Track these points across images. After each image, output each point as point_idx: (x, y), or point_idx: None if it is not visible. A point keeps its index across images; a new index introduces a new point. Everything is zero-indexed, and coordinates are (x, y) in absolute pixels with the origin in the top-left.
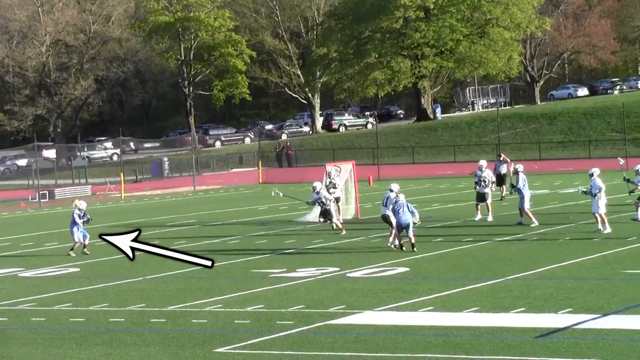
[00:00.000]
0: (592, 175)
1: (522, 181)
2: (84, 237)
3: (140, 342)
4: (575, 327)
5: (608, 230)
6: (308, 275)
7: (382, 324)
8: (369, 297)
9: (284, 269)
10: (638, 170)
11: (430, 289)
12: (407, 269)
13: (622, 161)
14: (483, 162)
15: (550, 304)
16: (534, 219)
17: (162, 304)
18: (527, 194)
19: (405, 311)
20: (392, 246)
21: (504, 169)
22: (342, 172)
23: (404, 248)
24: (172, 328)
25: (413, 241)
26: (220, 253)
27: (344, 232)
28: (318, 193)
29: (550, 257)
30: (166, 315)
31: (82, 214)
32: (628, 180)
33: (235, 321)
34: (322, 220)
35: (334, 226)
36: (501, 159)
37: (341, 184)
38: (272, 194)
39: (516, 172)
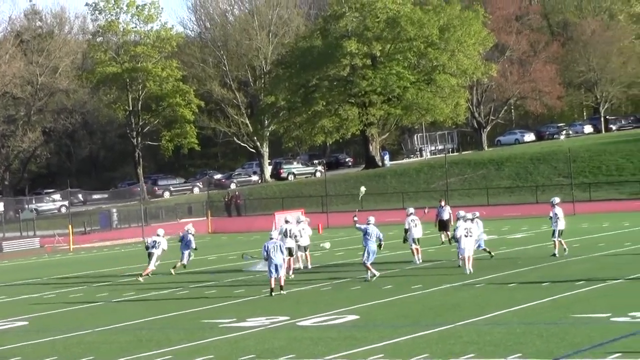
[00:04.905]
0: None
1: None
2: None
3: None
4: None
5: None
6: (258, 324)
7: None
8: (320, 346)
9: (234, 319)
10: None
11: (381, 336)
12: (358, 316)
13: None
14: (411, 209)
15: (500, 349)
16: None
17: (111, 356)
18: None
19: (356, 359)
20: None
21: (446, 215)
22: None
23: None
24: None
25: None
26: (169, 303)
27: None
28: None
29: (500, 302)
30: None
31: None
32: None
33: None
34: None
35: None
36: (442, 204)
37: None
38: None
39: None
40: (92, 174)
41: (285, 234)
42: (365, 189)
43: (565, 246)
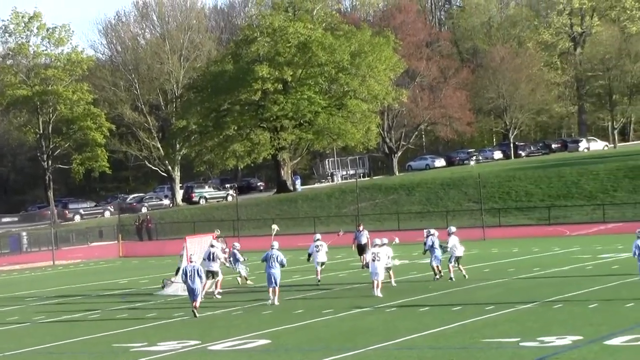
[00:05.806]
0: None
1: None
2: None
3: None
4: None
5: None
6: (169, 348)
7: None
8: None
9: (145, 343)
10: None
11: None
12: (269, 340)
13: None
14: (318, 235)
15: None
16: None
17: None
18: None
19: None
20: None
21: (364, 239)
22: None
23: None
24: None
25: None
26: (81, 327)
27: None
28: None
29: (410, 326)
30: None
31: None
32: (444, 250)
33: None
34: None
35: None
36: (360, 229)
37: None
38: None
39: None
40: (1, 197)
41: (210, 258)
42: (277, 227)
43: (464, 272)
